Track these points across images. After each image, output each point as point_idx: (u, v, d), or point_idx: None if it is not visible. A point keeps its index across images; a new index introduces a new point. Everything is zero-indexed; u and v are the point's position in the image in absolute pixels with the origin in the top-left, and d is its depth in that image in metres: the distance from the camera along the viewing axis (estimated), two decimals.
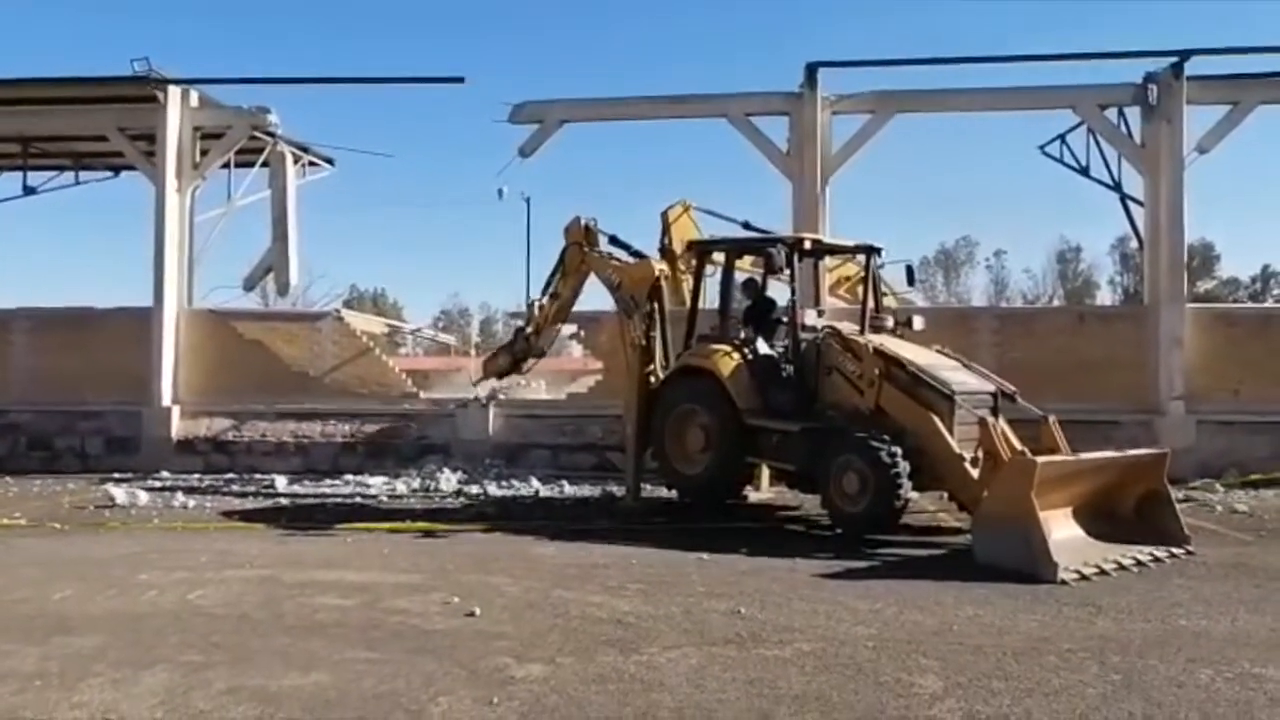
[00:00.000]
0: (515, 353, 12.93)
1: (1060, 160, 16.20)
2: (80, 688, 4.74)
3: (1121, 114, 14.68)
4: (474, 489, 12.77)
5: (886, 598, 6.60)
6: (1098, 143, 15.42)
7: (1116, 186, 15.52)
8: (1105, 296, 59.37)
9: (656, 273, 11.21)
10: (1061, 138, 16.01)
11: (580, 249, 11.79)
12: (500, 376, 13.65)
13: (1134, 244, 17.52)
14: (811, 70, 14.44)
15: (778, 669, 5.05)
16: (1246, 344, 14.01)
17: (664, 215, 11.85)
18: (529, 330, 12.60)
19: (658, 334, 11.29)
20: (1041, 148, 16.54)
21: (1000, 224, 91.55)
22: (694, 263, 11.48)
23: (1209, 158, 14.35)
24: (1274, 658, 5.28)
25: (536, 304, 12.54)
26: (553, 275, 12.28)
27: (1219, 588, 7.03)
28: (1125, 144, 14.67)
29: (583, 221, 11.76)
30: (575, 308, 13.09)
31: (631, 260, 11.66)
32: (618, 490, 12.29)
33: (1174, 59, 13.95)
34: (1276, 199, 79.12)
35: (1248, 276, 61.59)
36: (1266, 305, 45.31)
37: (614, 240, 11.89)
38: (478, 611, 6.18)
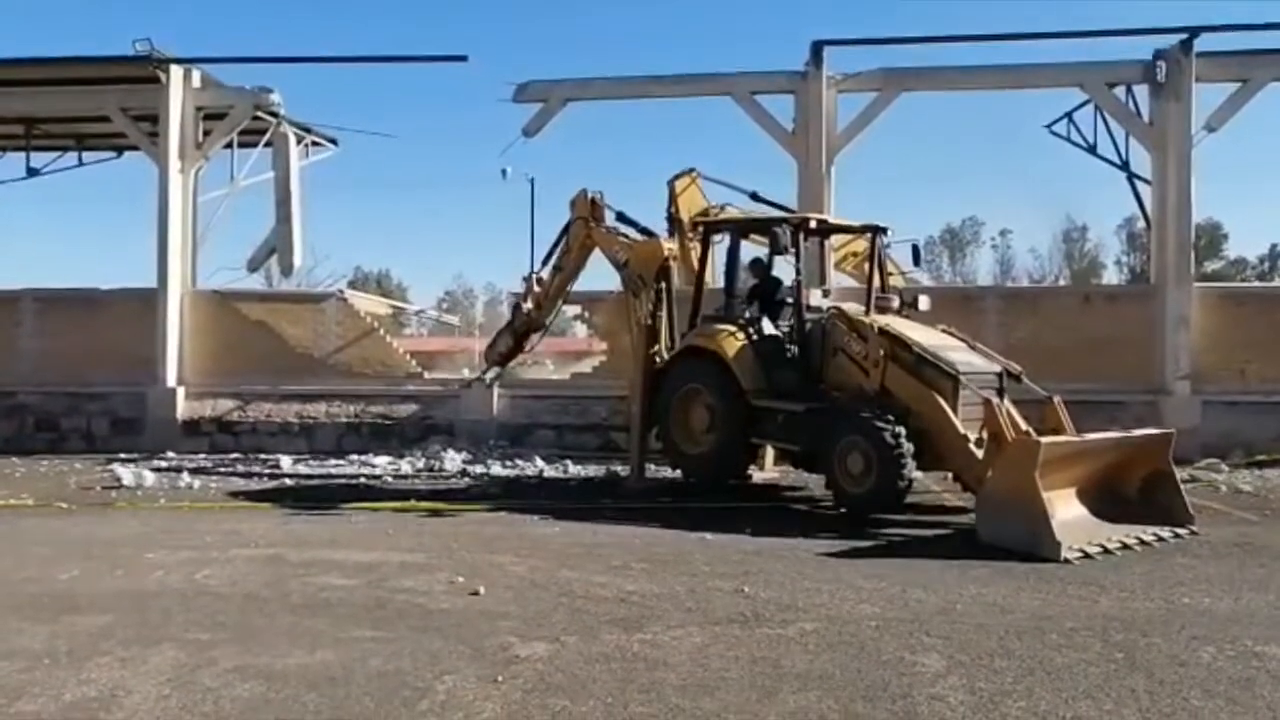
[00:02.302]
0: (516, 330, 12.86)
1: (1067, 139, 16.11)
2: (88, 666, 4.78)
3: (1130, 92, 14.56)
4: (478, 469, 12.81)
5: (890, 577, 6.61)
6: (1105, 121, 15.33)
7: (1124, 165, 15.42)
8: (1111, 276, 59.17)
9: (665, 252, 11.07)
10: (1069, 116, 15.91)
11: (586, 223, 11.66)
12: (504, 362, 13.61)
13: (1141, 223, 17.39)
14: (817, 49, 14.34)
15: (781, 647, 5.07)
16: (1253, 324, 13.97)
17: (671, 184, 11.79)
18: (529, 305, 12.53)
19: (664, 314, 11.23)
20: (1048, 126, 16.43)
21: (1006, 203, 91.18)
22: (699, 241, 11.40)
23: (1217, 136, 14.25)
24: (1277, 636, 5.29)
25: (535, 277, 12.45)
26: (554, 248, 12.19)
27: (1223, 567, 7.04)
28: (1133, 122, 14.57)
29: (589, 195, 11.65)
30: (580, 287, 13.07)
31: (640, 238, 11.56)
32: (622, 470, 12.31)
33: (1183, 36, 13.83)
34: None
35: (1255, 256, 61.44)
36: (1274, 285, 45.16)
37: (621, 216, 11.76)
38: (482, 591, 6.21)
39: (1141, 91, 14.42)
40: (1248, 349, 13.81)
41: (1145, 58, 14.18)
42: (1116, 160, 15.50)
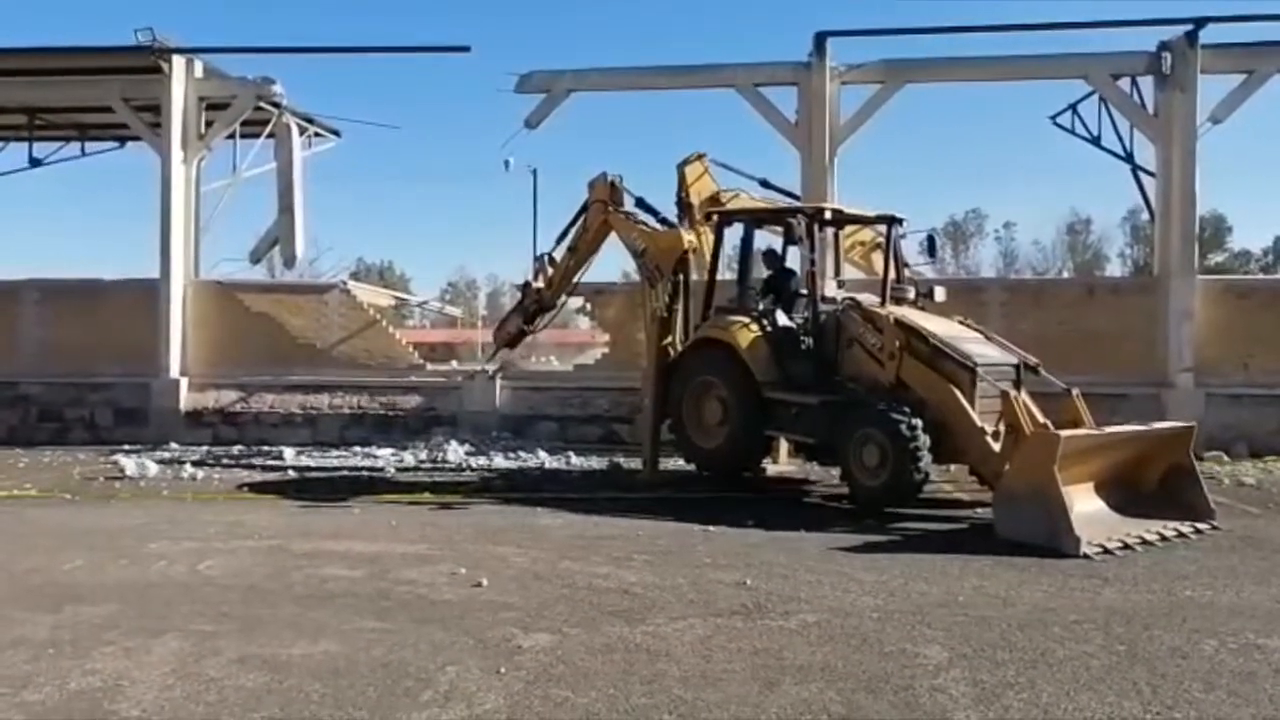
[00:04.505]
0: (526, 309, 12.78)
1: (1072, 131, 16.01)
2: (92, 656, 4.80)
3: (1134, 83, 14.48)
4: (481, 461, 12.82)
5: (892, 569, 6.62)
6: (1110, 113, 15.24)
7: (1128, 157, 15.35)
8: (1115, 269, 59.16)
9: (686, 244, 10.87)
10: (1073, 107, 15.82)
11: (604, 207, 11.50)
12: (513, 344, 13.55)
13: (1145, 216, 17.36)
14: (820, 40, 14.29)
15: (783, 639, 5.08)
16: (1257, 317, 13.93)
17: (680, 169, 11.69)
18: (539, 284, 12.47)
19: (680, 306, 11.10)
20: (1053, 118, 16.35)
21: (1010, 195, 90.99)
22: (712, 233, 11.30)
23: (1222, 128, 14.20)
24: (1278, 629, 5.29)
25: (548, 257, 12.37)
26: (568, 229, 12.08)
27: (1225, 560, 7.04)
28: (1137, 114, 14.50)
29: (609, 178, 11.51)
30: (584, 279, 13.02)
31: (659, 227, 11.41)
32: (625, 462, 12.31)
33: (1189, 27, 13.75)
34: None
35: (1259, 249, 61.34)
36: (1278, 278, 44.99)
37: (640, 203, 11.62)
38: (485, 582, 6.22)
39: (1146, 83, 14.33)
40: (1251, 342, 13.76)
41: (1150, 49, 14.09)
42: (1121, 152, 15.43)
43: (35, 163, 18.87)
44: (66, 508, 9.58)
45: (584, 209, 11.81)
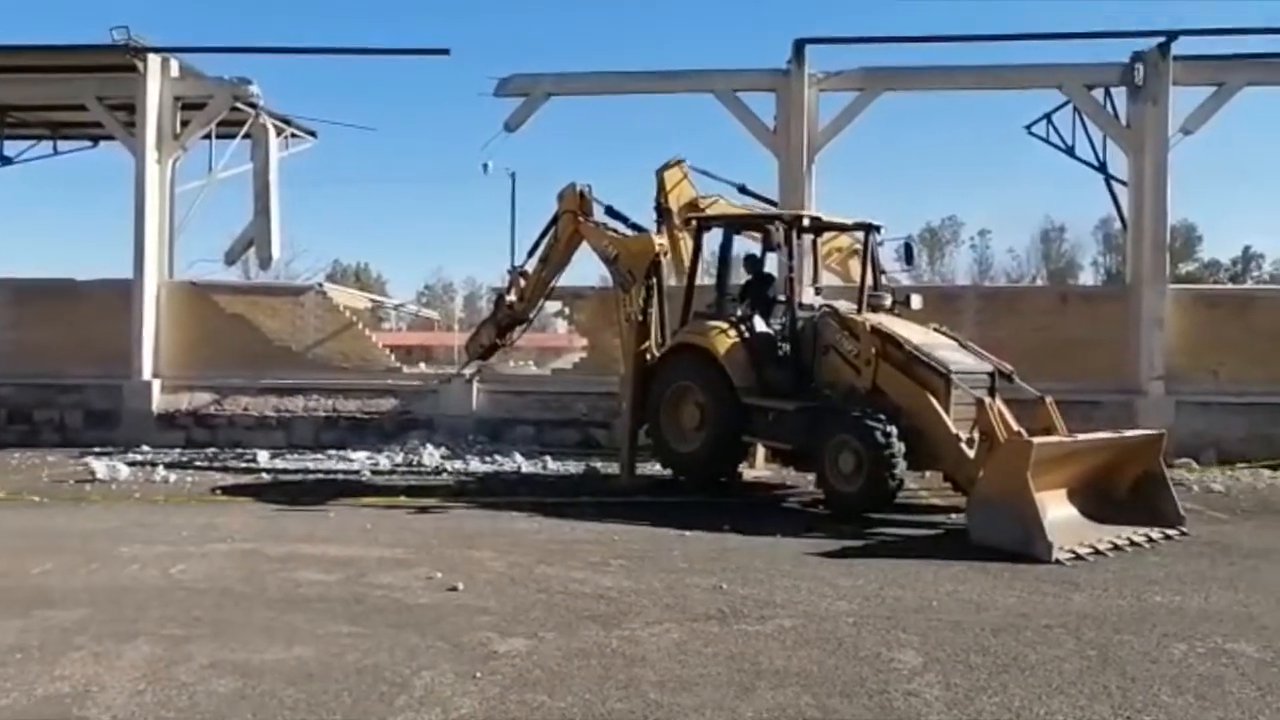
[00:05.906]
0: (499, 322, 12.79)
1: (1046, 140, 16.21)
2: (62, 661, 4.73)
3: (1108, 94, 14.67)
4: (457, 465, 12.76)
5: (867, 574, 6.66)
6: (1083, 123, 15.43)
7: (1101, 167, 15.54)
8: (1088, 277, 59.82)
9: (656, 248, 10.94)
10: (1048, 117, 16.01)
11: (574, 217, 11.55)
12: (487, 355, 13.53)
13: (1117, 225, 17.56)
14: (799, 47, 14.36)
15: (759, 644, 5.10)
16: (1226, 325, 14.11)
17: (659, 175, 11.71)
18: (512, 298, 12.48)
19: (655, 310, 11.15)
20: (1028, 127, 16.54)
21: (985, 203, 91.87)
22: (691, 238, 11.33)
23: (1193, 139, 14.38)
24: (1246, 633, 5.37)
25: (519, 271, 12.41)
26: (539, 240, 12.12)
27: (1194, 565, 7.13)
28: (1111, 124, 14.67)
29: (578, 188, 11.56)
30: (562, 283, 13.03)
31: (630, 233, 11.47)
32: (602, 466, 12.30)
33: (1161, 39, 13.94)
34: (1259, 181, 79.76)
35: (1228, 259, 62.31)
36: (1247, 287, 45.68)
37: (610, 211, 11.67)
38: (461, 586, 6.20)
39: (1119, 94, 14.52)
40: (1220, 350, 13.94)
41: (1124, 60, 14.28)
42: (1094, 162, 15.62)
43: (6, 161, 18.66)
44: (35, 510, 9.45)
45: (554, 220, 11.85)
